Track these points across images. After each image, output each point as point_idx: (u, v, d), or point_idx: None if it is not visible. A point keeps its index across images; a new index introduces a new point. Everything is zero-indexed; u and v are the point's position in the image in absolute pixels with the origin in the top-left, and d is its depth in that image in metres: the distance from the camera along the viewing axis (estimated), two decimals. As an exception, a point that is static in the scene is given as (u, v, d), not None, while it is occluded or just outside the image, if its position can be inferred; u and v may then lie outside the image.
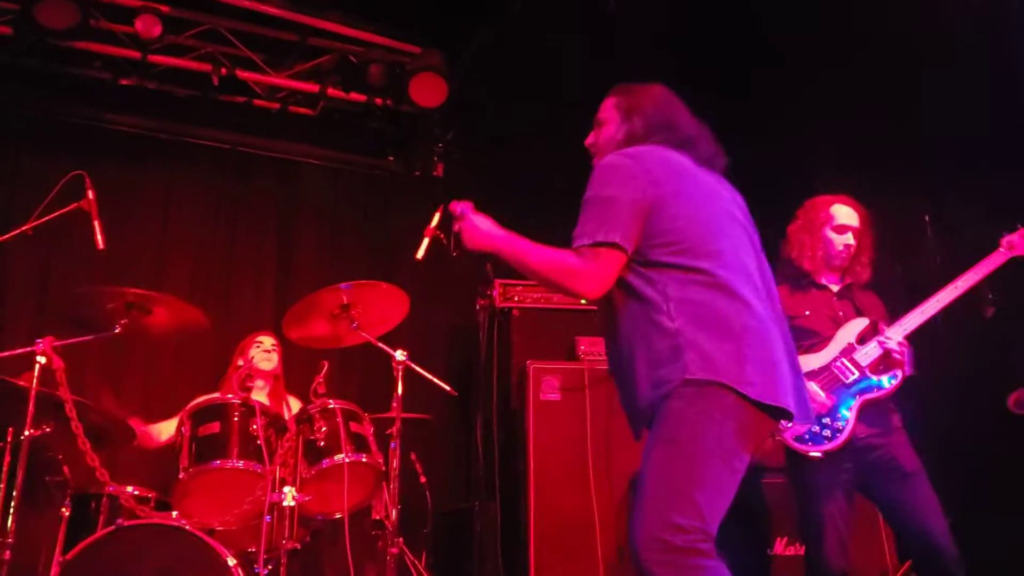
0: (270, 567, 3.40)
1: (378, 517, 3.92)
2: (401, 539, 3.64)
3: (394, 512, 3.57)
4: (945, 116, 4.27)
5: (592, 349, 4.85)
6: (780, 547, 4.11)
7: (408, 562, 3.77)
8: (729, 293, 2.26)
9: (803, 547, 3.46)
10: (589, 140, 2.66)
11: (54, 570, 3.14)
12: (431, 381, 3.92)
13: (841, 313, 3.47)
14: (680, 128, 2.52)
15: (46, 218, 3.60)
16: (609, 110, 2.62)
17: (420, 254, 3.98)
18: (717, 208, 2.42)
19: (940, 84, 4.28)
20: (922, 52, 4.25)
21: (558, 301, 5.08)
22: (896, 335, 3.35)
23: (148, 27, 5.04)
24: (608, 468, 4.46)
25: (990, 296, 3.67)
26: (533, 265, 2.36)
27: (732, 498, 2.17)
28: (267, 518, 3.36)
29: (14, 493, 3.14)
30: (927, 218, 4.38)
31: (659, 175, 2.35)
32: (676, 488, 2.10)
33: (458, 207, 2.55)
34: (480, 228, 2.49)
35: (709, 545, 2.06)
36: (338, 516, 3.66)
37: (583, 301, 5.10)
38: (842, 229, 3.51)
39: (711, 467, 2.14)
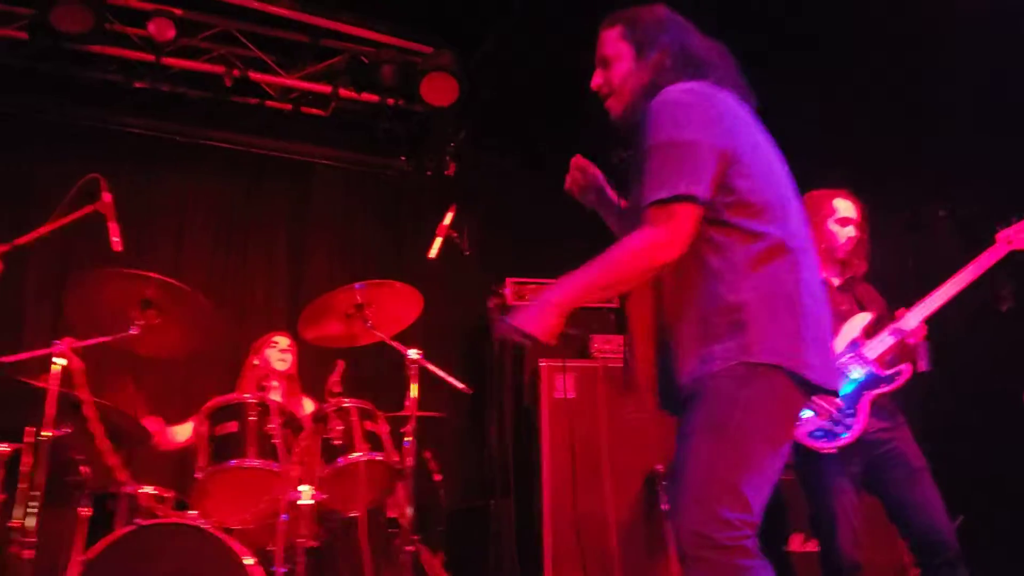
0: (287, 566, 3.41)
1: (393, 515, 3.94)
2: (417, 537, 3.65)
3: (409, 510, 3.59)
4: (955, 110, 4.26)
5: (605, 347, 4.85)
6: (797, 544, 4.11)
7: (424, 560, 3.79)
8: (794, 264, 2.08)
9: (818, 543, 3.46)
10: (597, 81, 2.37)
11: (75, 569, 3.16)
12: (445, 380, 3.93)
13: (844, 307, 3.46)
14: (706, 60, 2.25)
15: (63, 221, 3.62)
16: (616, 43, 2.33)
17: (433, 253, 4.00)
18: (782, 167, 2.21)
19: (948, 77, 4.27)
20: (930, 45, 4.24)
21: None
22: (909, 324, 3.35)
23: (162, 30, 5.08)
24: (622, 465, 4.46)
25: (1007, 291, 3.66)
26: (604, 280, 2.07)
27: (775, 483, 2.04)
28: (284, 517, 3.38)
29: (35, 493, 3.16)
30: (941, 213, 4.37)
31: (732, 122, 2.13)
32: (723, 480, 1.95)
33: (499, 331, 2.15)
34: (532, 316, 2.06)
35: (755, 541, 1.94)
36: (354, 515, 3.67)
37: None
38: (845, 222, 3.51)
39: (760, 456, 1.99)
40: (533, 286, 5.03)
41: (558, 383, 4.66)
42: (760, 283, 2.04)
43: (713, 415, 2.00)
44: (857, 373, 3.34)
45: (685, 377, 2.06)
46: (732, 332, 2.01)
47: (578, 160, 2.52)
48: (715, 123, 2.09)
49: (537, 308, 2.07)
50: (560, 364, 4.68)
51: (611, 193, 2.52)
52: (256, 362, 4.49)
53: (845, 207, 3.53)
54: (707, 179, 2.03)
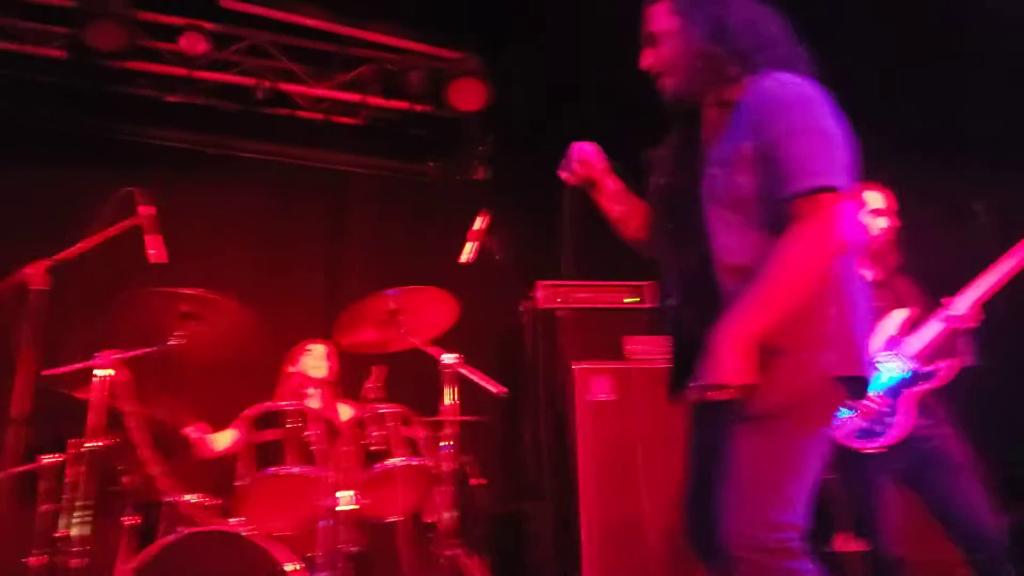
0: (328, 572, 3.43)
1: (432, 520, 3.94)
2: (458, 541, 3.66)
3: (449, 515, 3.59)
4: (995, 97, 4.18)
5: (639, 349, 4.83)
6: (840, 543, 4.06)
7: (463, 564, 3.79)
8: (857, 270, 2.07)
9: (863, 542, 3.42)
10: (648, 60, 2.24)
11: (121, 577, 3.21)
12: (480, 383, 3.93)
13: (882, 303, 3.41)
14: (769, 34, 2.13)
15: (104, 234, 3.68)
16: (665, 18, 2.20)
17: (466, 257, 4.01)
18: None
19: (987, 63, 4.19)
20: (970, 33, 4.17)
21: (603, 301, 5.06)
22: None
23: (193, 44, 5.15)
24: (658, 468, 4.43)
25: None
26: (785, 292, 1.92)
27: None
28: (325, 523, 3.40)
29: (82, 503, 3.21)
30: (980, 205, 4.30)
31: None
32: (773, 483, 1.93)
33: (694, 397, 2.03)
34: (722, 364, 1.92)
35: (802, 543, 1.92)
36: (393, 520, 3.69)
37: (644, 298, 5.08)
38: (876, 213, 3.46)
39: (810, 458, 1.97)
40: (565, 288, 5.01)
41: (593, 385, 4.64)
42: (851, 293, 2.01)
43: (767, 416, 1.95)
44: (896, 371, 3.29)
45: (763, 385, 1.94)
46: (825, 343, 1.96)
47: (580, 152, 2.44)
48: (838, 120, 2.03)
49: (724, 354, 1.91)
50: (594, 366, 4.67)
51: (614, 182, 2.44)
52: (292, 369, 4.52)
53: (875, 199, 3.48)
54: (848, 172, 1.96)
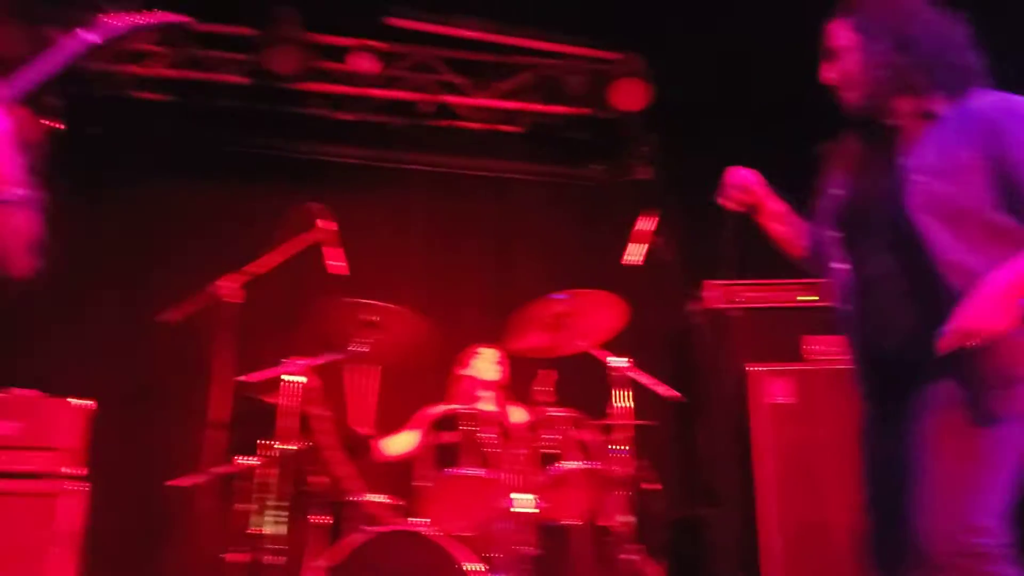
0: (509, 573, 3.47)
1: (608, 524, 3.92)
2: (640, 546, 3.63)
3: (627, 519, 3.56)
4: None
5: (819, 349, 4.61)
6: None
7: (641, 569, 3.75)
8: None
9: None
10: (829, 74, 2.25)
11: (317, 574, 3.34)
12: (652, 387, 3.88)
13: None
14: (961, 46, 2.14)
15: (291, 249, 3.89)
16: (847, 33, 2.21)
17: (631, 259, 3.97)
18: None
19: None
20: None
21: (776, 300, 4.86)
22: None
23: (364, 64, 5.37)
24: (843, 472, 4.23)
25: None
26: None
27: None
28: (504, 524, 3.44)
29: (275, 503, 3.39)
30: None
31: None
32: (980, 483, 1.88)
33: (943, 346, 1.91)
34: (983, 309, 1.88)
35: (1004, 548, 1.86)
36: (571, 522, 3.69)
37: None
38: None
39: (1013, 457, 1.92)
40: (739, 287, 4.85)
41: (771, 388, 4.49)
42: None
43: (974, 415, 1.90)
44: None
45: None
46: None
47: (736, 178, 2.46)
48: None
49: (983, 297, 1.88)
50: (769, 368, 4.52)
51: (777, 204, 2.45)
52: (464, 372, 4.61)
53: None
54: None
